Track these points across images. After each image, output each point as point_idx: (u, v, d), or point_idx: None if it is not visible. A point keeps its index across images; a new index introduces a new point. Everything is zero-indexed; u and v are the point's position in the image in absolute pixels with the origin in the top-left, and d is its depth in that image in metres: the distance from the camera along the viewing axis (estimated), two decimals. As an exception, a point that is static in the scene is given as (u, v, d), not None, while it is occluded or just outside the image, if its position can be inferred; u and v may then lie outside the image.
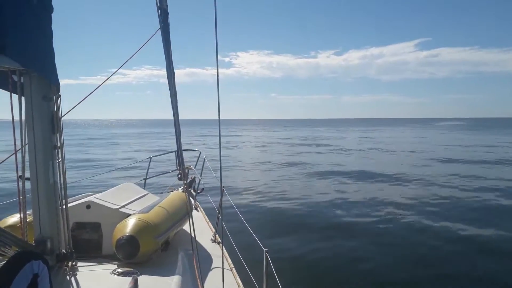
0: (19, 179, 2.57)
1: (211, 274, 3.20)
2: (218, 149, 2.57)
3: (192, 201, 5.60)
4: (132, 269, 2.88)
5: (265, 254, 2.84)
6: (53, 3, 2.52)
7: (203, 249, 3.78)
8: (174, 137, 2.94)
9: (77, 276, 2.71)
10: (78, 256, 2.89)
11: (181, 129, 2.99)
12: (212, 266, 3.40)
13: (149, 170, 7.14)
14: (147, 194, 4.32)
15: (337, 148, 32.54)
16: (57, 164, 2.69)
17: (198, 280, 2.60)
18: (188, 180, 6.21)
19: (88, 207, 3.40)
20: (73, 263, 2.79)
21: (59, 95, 2.70)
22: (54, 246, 2.68)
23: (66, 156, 2.82)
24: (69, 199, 2.95)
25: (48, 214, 2.63)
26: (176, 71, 2.93)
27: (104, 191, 3.98)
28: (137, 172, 14.83)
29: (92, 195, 3.76)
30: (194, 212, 5.28)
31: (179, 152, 2.93)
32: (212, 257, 3.63)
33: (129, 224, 3.03)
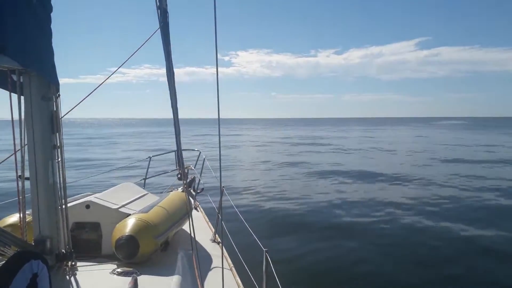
0: (19, 178, 2.57)
1: (210, 274, 3.19)
2: (218, 149, 2.56)
3: (192, 201, 5.60)
4: (131, 269, 2.88)
5: (265, 254, 2.83)
6: (53, 2, 2.53)
7: (202, 249, 3.78)
8: (174, 136, 2.93)
9: (76, 276, 2.71)
10: (77, 256, 2.89)
11: (181, 128, 2.98)
12: (212, 266, 3.40)
13: (149, 170, 7.13)
14: (146, 194, 4.32)
15: (338, 148, 32.54)
16: (57, 163, 2.68)
17: (198, 280, 2.59)
18: (188, 180, 6.20)
19: (87, 207, 3.40)
20: (73, 263, 2.79)
21: (59, 95, 2.70)
22: (53, 246, 2.68)
23: (66, 155, 2.81)
24: (68, 199, 2.95)
25: (48, 214, 2.63)
26: (175, 70, 2.92)
27: (103, 191, 3.97)
28: (137, 172, 14.83)
29: (92, 195, 3.76)
30: (194, 212, 5.28)
31: (178, 151, 2.92)
32: (212, 257, 3.63)
33: (129, 224, 3.02)
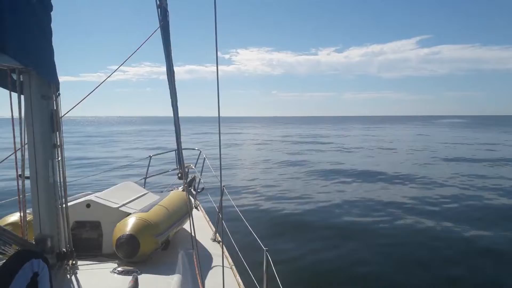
0: (19, 177, 2.57)
1: (211, 273, 3.20)
2: (218, 148, 2.55)
3: (192, 200, 5.60)
4: (132, 268, 2.88)
5: (265, 253, 2.83)
6: (53, 1, 2.52)
7: (203, 248, 3.78)
8: (174, 134, 2.93)
9: (77, 275, 2.71)
10: (78, 255, 2.90)
11: (181, 126, 2.98)
12: (212, 265, 3.40)
13: (149, 169, 7.13)
14: (147, 193, 4.32)
15: (338, 146, 32.52)
16: (57, 162, 2.68)
17: (199, 279, 2.59)
18: (188, 179, 6.20)
19: (88, 206, 3.40)
20: (73, 262, 2.79)
21: (59, 94, 2.70)
22: (54, 245, 2.68)
23: (66, 154, 2.81)
24: (69, 198, 2.95)
25: (48, 213, 2.63)
26: (175, 68, 2.92)
27: (104, 190, 3.98)
28: (137, 171, 14.84)
29: (92, 194, 3.76)
30: (194, 211, 5.28)
31: (179, 151, 2.92)
32: (212, 256, 3.63)
33: (129, 223, 3.02)
